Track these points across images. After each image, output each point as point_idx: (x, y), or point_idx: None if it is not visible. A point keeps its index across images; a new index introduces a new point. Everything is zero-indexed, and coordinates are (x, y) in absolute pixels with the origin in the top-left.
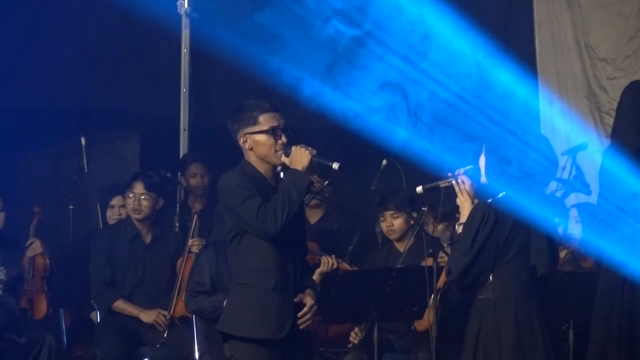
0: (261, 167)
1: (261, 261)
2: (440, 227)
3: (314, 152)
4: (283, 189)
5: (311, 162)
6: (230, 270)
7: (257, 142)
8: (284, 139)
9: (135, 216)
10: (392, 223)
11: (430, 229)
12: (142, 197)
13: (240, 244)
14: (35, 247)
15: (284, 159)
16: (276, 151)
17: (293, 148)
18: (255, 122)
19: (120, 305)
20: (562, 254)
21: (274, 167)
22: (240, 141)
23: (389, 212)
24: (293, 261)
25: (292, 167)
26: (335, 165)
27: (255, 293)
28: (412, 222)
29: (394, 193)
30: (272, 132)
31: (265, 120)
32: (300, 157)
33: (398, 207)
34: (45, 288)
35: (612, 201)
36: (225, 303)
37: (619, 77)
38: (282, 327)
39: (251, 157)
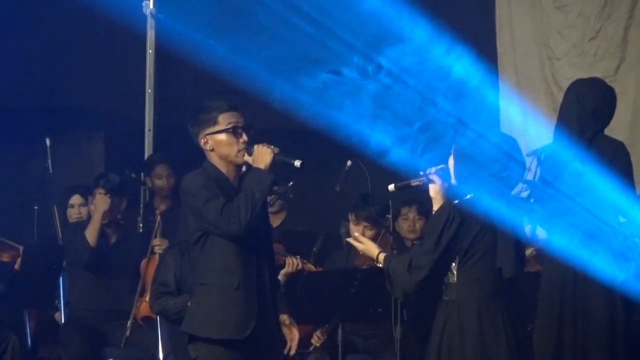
0: (224, 168)
1: (225, 261)
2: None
3: (276, 150)
4: (246, 188)
5: (274, 160)
6: (195, 271)
7: (218, 142)
8: (245, 137)
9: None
10: (364, 233)
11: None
12: None
13: (205, 245)
14: None
15: (246, 157)
16: (238, 150)
17: (255, 147)
18: (215, 123)
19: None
20: (528, 252)
21: (237, 167)
22: (202, 143)
23: (364, 224)
24: (258, 261)
25: (254, 165)
26: (298, 163)
27: (219, 293)
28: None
29: (374, 203)
30: (233, 130)
31: (225, 120)
32: (263, 155)
33: (374, 222)
34: None
35: (561, 190)
36: (190, 304)
37: (578, 77)
38: (245, 328)
39: (213, 158)
